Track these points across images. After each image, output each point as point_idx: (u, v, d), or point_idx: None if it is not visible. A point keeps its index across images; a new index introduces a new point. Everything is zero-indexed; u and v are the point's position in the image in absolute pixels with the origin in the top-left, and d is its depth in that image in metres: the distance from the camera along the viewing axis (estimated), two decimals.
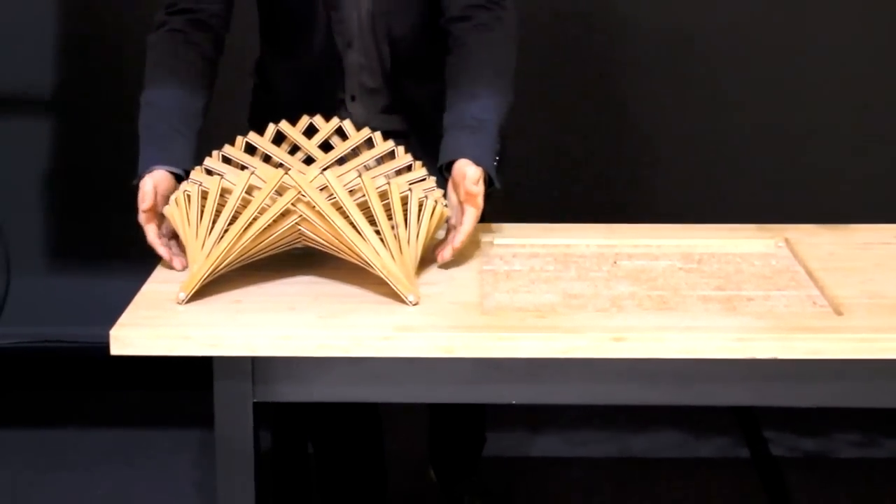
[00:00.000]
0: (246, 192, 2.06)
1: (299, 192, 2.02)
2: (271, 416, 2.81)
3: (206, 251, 2.04)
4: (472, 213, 2.17)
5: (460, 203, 2.19)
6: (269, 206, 2.03)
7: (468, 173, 2.16)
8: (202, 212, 2.08)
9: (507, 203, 2.71)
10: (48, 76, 3.63)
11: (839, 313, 2.02)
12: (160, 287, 2.11)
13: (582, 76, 3.61)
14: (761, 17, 3.54)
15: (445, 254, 2.18)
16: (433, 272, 2.19)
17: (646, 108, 3.63)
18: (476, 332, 1.94)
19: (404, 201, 2.10)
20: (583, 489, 3.17)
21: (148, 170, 2.23)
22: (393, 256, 2.05)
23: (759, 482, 3.21)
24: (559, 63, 3.59)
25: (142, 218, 2.19)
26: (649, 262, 2.28)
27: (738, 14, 3.54)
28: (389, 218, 2.09)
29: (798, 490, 3.16)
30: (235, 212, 2.06)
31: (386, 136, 2.34)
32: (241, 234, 2.03)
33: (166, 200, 2.19)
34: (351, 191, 2.08)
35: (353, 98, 2.51)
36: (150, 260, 2.23)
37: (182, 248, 2.18)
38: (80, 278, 3.68)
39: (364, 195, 2.07)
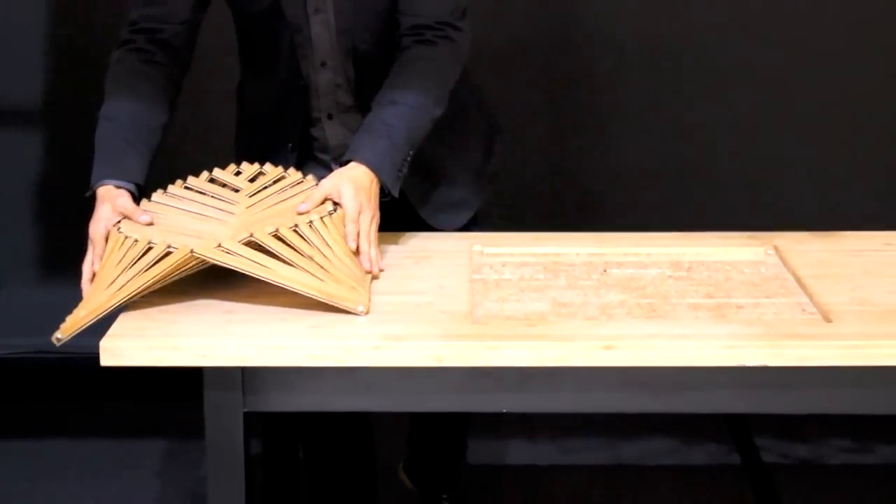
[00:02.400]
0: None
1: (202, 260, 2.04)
2: (262, 425, 2.81)
3: (104, 296, 2.04)
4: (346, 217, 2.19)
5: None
6: (172, 266, 2.04)
7: (334, 185, 2.21)
8: (111, 256, 2.10)
9: (496, 212, 2.72)
10: (36, 86, 3.62)
11: (829, 320, 2.02)
12: (150, 297, 2.10)
13: (572, 87, 3.61)
14: (749, 24, 3.54)
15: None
16: (424, 281, 2.19)
17: (635, 117, 3.63)
18: (466, 341, 1.94)
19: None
20: (574, 496, 3.17)
21: (100, 183, 2.25)
22: (321, 278, 2.05)
23: (751, 489, 3.22)
24: (548, 74, 3.59)
25: (101, 232, 2.18)
26: (639, 271, 2.28)
27: (724, 22, 3.54)
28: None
29: (789, 496, 3.16)
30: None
31: None
32: (140, 288, 2.05)
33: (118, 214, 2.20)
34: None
35: (329, 117, 2.52)
36: None
37: None
38: (69, 289, 3.64)
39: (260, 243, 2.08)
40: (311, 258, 2.08)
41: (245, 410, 1.98)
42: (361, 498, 2.73)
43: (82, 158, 3.62)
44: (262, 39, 2.47)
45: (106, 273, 2.09)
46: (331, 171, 2.56)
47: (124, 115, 2.32)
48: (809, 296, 2.13)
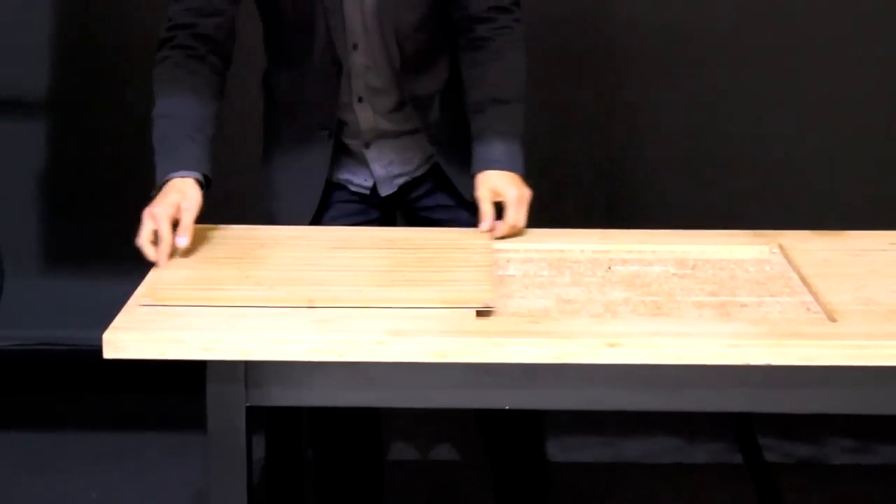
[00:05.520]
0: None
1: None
2: (265, 421, 2.81)
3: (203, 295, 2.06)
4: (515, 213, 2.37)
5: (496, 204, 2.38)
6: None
7: (504, 188, 2.38)
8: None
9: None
10: (43, 78, 3.63)
11: (833, 320, 2.02)
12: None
13: (575, 81, 3.61)
14: (755, 22, 3.53)
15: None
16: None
17: (640, 114, 3.62)
18: (470, 336, 1.94)
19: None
20: (575, 494, 3.17)
21: (167, 177, 2.26)
22: (439, 291, 2.08)
23: (753, 488, 3.21)
24: (551, 67, 3.59)
25: (164, 221, 2.20)
26: (643, 268, 2.28)
27: (730, 19, 3.54)
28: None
29: (792, 496, 3.16)
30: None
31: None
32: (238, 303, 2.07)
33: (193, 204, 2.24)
34: None
35: (359, 100, 2.52)
36: (144, 263, 2.23)
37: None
38: (73, 280, 3.67)
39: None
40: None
41: (248, 404, 1.97)
42: (369, 495, 2.73)
43: (88, 150, 3.66)
44: (296, 24, 2.47)
45: (216, 275, 2.14)
46: (355, 158, 2.59)
47: (177, 111, 2.34)
48: (814, 295, 2.13)
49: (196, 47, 2.39)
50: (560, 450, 3.39)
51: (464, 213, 2.55)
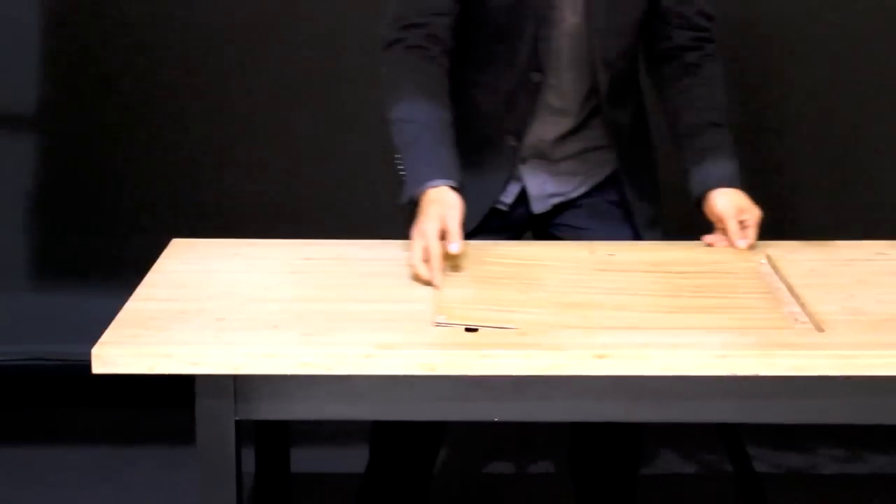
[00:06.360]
0: None
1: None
2: (254, 434, 2.80)
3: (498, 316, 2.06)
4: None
5: (740, 222, 2.41)
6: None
7: (749, 206, 2.43)
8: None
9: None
10: (31, 93, 3.62)
11: (821, 330, 2.02)
12: (143, 305, 2.11)
13: None
14: (755, 27, 3.54)
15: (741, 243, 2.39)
16: (417, 289, 2.18)
17: None
18: (458, 349, 1.94)
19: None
20: None
21: (426, 185, 2.24)
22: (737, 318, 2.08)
23: (743, 498, 3.21)
24: None
25: (434, 237, 2.19)
26: None
27: (734, 22, 3.54)
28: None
29: None
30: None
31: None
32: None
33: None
34: None
35: (534, 115, 2.49)
36: (132, 278, 2.23)
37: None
38: (62, 296, 3.67)
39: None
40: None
41: (237, 418, 1.97)
42: None
43: (77, 165, 3.66)
44: (504, 31, 2.43)
45: (499, 295, 2.14)
46: (508, 180, 2.55)
47: (423, 116, 2.32)
48: (801, 305, 2.13)
49: (429, 48, 2.37)
50: (549, 461, 3.39)
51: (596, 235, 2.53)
